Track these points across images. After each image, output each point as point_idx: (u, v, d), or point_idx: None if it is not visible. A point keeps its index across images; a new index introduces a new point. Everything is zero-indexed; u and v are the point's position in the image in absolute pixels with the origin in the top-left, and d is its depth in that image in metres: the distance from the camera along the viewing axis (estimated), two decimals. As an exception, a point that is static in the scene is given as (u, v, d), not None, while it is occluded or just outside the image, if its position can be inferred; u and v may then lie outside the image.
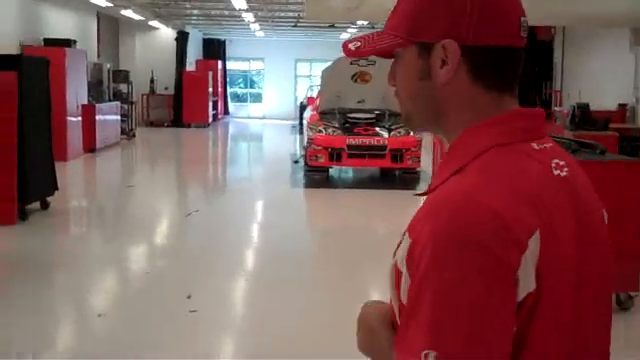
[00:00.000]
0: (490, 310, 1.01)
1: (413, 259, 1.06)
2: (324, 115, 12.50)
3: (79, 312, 5.97)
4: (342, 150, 11.72)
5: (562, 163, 1.17)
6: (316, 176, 12.33)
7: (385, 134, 12.04)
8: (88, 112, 15.48)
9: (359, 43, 1.25)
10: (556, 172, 1.16)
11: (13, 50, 12.99)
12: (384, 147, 11.85)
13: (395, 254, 1.14)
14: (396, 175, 12.57)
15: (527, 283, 1.04)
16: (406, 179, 12.19)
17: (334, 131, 11.98)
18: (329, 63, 14.02)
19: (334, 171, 13.15)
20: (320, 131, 12.01)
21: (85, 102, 15.44)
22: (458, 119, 1.19)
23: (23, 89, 8.40)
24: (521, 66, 1.20)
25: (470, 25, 1.14)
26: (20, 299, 5.96)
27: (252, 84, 31.50)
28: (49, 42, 14.96)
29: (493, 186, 1.08)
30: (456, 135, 1.19)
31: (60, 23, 16.74)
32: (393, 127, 12.08)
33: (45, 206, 9.33)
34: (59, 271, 7.10)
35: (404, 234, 1.12)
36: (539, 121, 1.22)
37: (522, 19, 1.18)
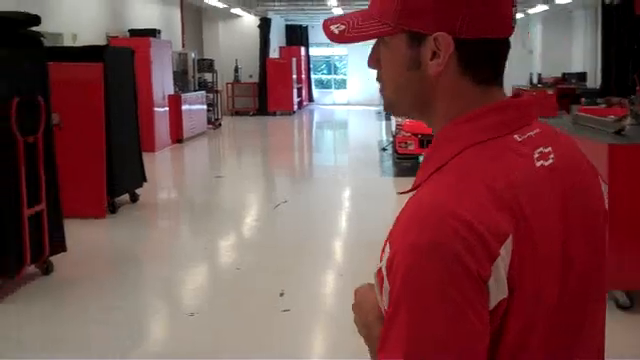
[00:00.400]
0: (464, 322, 1.01)
1: (391, 269, 1.05)
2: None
3: (170, 310, 5.78)
4: (433, 137, 11.21)
5: (547, 150, 1.15)
6: (406, 164, 11.91)
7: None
8: (174, 102, 15.47)
9: (343, 26, 1.20)
10: (539, 163, 1.13)
11: (100, 42, 13.03)
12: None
13: (381, 258, 1.10)
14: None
15: (499, 291, 1.03)
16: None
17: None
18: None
19: (425, 158, 12.66)
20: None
21: (171, 92, 15.43)
22: (444, 111, 1.17)
23: (109, 80, 8.29)
24: (507, 56, 1.17)
25: (465, 17, 1.10)
26: (109, 295, 5.84)
27: (335, 70, 31.21)
28: (134, 33, 15.00)
29: (467, 192, 1.06)
30: (440, 127, 1.18)
31: (145, 13, 16.78)
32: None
33: (134, 199, 9.24)
34: (149, 266, 6.95)
35: (386, 241, 1.10)
36: (522, 110, 1.18)
37: (513, 9, 1.15)
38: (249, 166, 14.35)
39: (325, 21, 1.22)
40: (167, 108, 15.06)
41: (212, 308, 5.57)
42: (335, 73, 31.23)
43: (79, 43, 12.11)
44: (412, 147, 11.39)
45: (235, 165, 14.56)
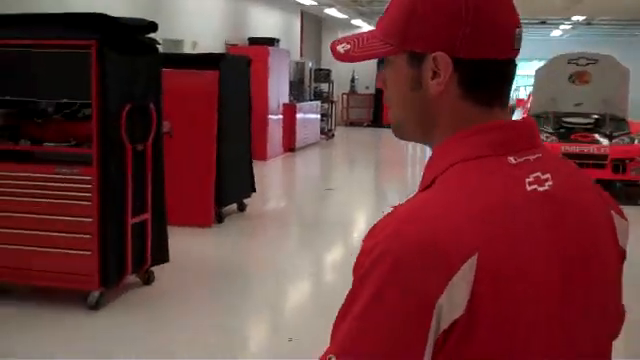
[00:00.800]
0: (400, 338, 1.01)
1: (355, 270, 1.06)
2: (537, 119, 11.45)
3: (268, 333, 5.56)
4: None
5: (545, 177, 1.12)
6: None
7: (605, 141, 10.81)
8: (289, 111, 15.42)
9: (349, 45, 1.22)
10: (532, 187, 1.10)
11: (220, 49, 13.10)
12: (604, 156, 10.62)
13: None
14: (616, 188, 11.30)
15: (453, 309, 1.00)
16: (629, 193, 10.90)
17: (548, 137, 10.90)
18: (543, 62, 12.90)
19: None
20: (532, 137, 10.99)
21: (286, 101, 15.37)
22: (445, 131, 1.16)
23: (224, 88, 8.20)
24: (512, 77, 1.17)
25: (464, 38, 1.10)
26: (208, 310, 5.71)
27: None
28: (253, 41, 15.04)
29: (440, 206, 1.06)
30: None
31: (265, 22, 16.84)
32: (615, 134, 10.86)
33: (242, 208, 9.13)
34: (251, 281, 6.76)
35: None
36: (523, 133, 1.16)
37: (517, 30, 1.13)
38: (360, 179, 14.08)
39: (333, 42, 1.25)
40: (281, 116, 15.01)
41: (312, 334, 5.29)
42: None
43: (199, 50, 12.19)
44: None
45: (346, 177, 14.31)
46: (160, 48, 6.22)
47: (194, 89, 8.16)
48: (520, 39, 1.14)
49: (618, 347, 1.28)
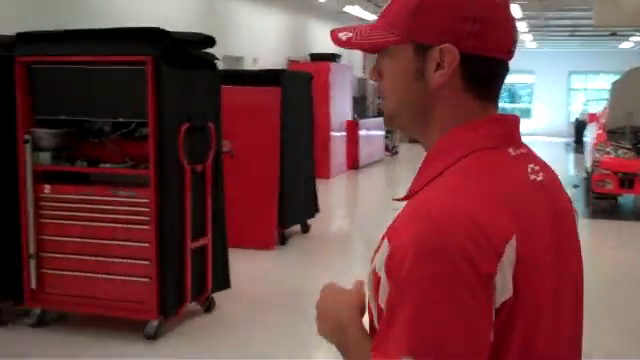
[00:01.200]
0: (468, 321, 1.02)
1: (392, 266, 1.05)
2: (613, 134, 10.87)
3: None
4: (635, 175, 10.05)
5: (537, 168, 1.21)
6: (603, 204, 10.75)
7: (685, 157, 10.19)
8: (352, 128, 15.10)
9: (350, 34, 1.25)
10: (532, 177, 1.18)
11: (281, 66, 12.88)
12: (685, 172, 10.01)
13: (373, 259, 1.13)
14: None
15: (504, 290, 1.05)
16: None
17: (625, 153, 10.33)
18: (618, 76, 12.32)
19: (625, 199, 11.48)
20: (608, 153, 10.41)
21: (349, 118, 15.06)
22: (443, 124, 1.20)
23: (285, 105, 7.92)
24: (505, 79, 1.22)
25: (472, 33, 1.14)
26: (270, 340, 5.38)
27: (518, 98, 29.88)
28: (315, 57, 14.80)
29: (472, 193, 1.09)
30: (435, 138, 1.20)
31: (326, 38, 16.54)
32: (701, 149, 10.21)
33: (305, 229, 8.81)
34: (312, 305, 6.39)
35: (382, 240, 1.12)
36: (515, 127, 1.23)
37: (514, 34, 1.20)
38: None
39: (333, 31, 1.28)
40: (344, 133, 14.70)
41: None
42: (518, 102, 29.88)
43: (259, 67, 11.99)
44: (611, 186, 10.23)
45: (411, 196, 13.84)
46: (220, 65, 5.95)
47: (255, 106, 7.90)
48: (516, 43, 1.21)
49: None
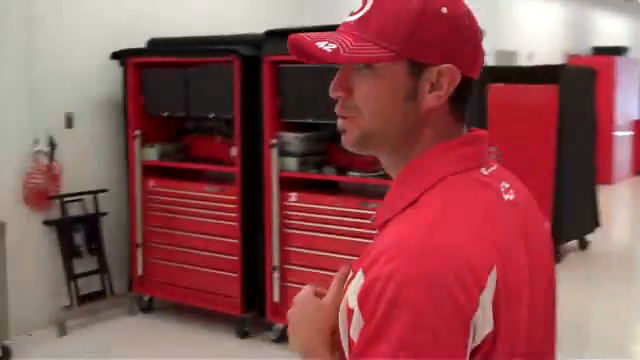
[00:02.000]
0: (446, 355, 0.99)
1: (369, 299, 1.02)
2: None
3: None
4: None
5: (508, 186, 1.18)
6: None
7: None
8: (639, 128, 13.50)
9: (334, 45, 1.10)
10: (506, 197, 1.16)
11: (559, 61, 11.79)
12: None
13: (346, 290, 1.12)
14: None
15: (485, 323, 1.02)
16: None
17: None
18: None
19: None
20: None
21: (636, 117, 13.48)
22: (427, 145, 1.15)
23: (564, 105, 6.97)
24: None
25: (469, 55, 1.13)
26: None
27: None
28: (598, 51, 13.48)
29: (453, 223, 1.06)
30: (404, 161, 1.16)
31: (611, 29, 15.08)
32: None
33: (583, 246, 7.77)
34: (592, 341, 5.43)
35: (355, 271, 1.09)
36: (485, 144, 1.20)
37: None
38: None
39: (303, 37, 1.13)
40: (631, 134, 13.17)
41: None
42: None
43: (534, 62, 11.03)
44: None
45: None
46: (490, 60, 5.20)
47: (529, 107, 7.08)
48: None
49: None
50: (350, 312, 1.07)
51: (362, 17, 1.14)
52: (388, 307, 0.99)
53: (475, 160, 1.15)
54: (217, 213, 5.22)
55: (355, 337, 1.04)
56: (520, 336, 1.09)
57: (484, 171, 1.15)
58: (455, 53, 1.11)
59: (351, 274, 1.12)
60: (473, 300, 1.00)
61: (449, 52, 1.11)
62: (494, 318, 1.03)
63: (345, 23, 1.16)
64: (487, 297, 1.02)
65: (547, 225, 1.29)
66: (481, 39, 1.15)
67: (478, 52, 1.14)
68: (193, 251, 5.36)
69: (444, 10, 1.10)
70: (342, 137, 1.20)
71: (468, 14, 1.14)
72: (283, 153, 4.90)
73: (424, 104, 1.12)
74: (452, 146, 1.14)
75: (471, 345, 1.01)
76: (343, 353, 1.13)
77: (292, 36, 1.13)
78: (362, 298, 1.03)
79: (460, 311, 0.99)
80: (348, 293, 1.09)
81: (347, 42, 1.11)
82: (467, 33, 1.12)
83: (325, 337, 1.18)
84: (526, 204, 1.21)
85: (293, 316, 1.26)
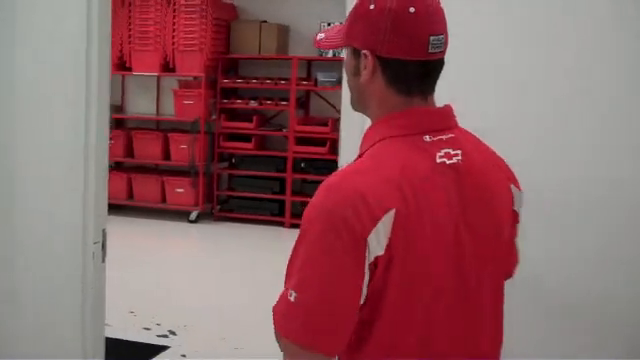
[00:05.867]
0: (339, 266, 1.32)
1: (302, 221, 1.38)
2: None
3: None
4: None
5: (455, 152, 1.43)
6: None
7: None
8: None
9: (323, 35, 1.60)
10: (440, 160, 1.41)
11: None
12: None
13: None
14: None
15: (376, 248, 1.33)
16: None
17: None
18: None
19: None
20: None
21: None
22: (375, 112, 1.49)
23: None
24: (432, 75, 1.46)
25: (384, 42, 1.41)
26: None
27: None
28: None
29: (369, 172, 1.37)
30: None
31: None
32: None
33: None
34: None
35: None
36: (437, 118, 1.47)
37: (432, 37, 1.41)
38: None
39: (318, 32, 1.67)
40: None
41: None
42: None
43: None
44: None
45: None
46: None
47: None
48: (438, 45, 1.42)
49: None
50: None
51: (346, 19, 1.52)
52: (304, 228, 1.36)
53: (412, 128, 1.43)
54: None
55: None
56: (421, 277, 1.37)
57: (427, 138, 1.43)
58: (373, 41, 1.42)
59: None
60: (364, 225, 1.31)
61: (369, 41, 1.43)
62: (389, 248, 1.33)
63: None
64: (382, 228, 1.32)
65: (509, 190, 1.54)
66: (404, 24, 1.39)
67: (398, 37, 1.40)
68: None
69: (371, 7, 1.42)
70: None
71: (395, 9, 1.39)
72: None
73: (362, 79, 1.47)
74: (393, 117, 1.45)
75: (369, 258, 1.33)
76: None
77: (319, 33, 1.62)
78: (300, 228, 1.39)
79: (352, 230, 1.31)
80: None
81: (331, 34, 1.57)
82: (385, 27, 1.40)
83: None
84: (475, 171, 1.45)
85: None
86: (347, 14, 1.51)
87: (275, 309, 1.38)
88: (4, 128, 2.78)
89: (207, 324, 5.32)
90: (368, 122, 1.53)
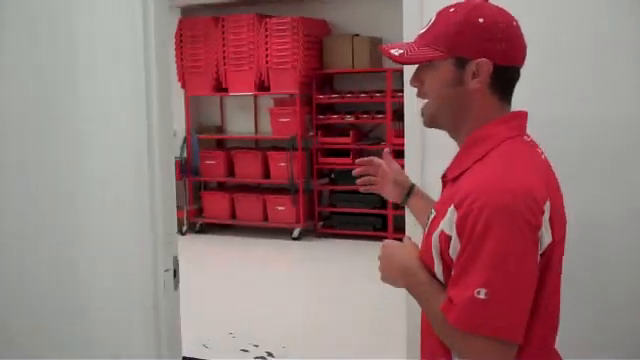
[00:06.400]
0: (526, 260, 1.43)
1: (465, 225, 1.44)
2: None
3: None
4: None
5: (541, 150, 1.61)
6: None
7: None
8: None
9: (401, 50, 1.61)
10: (543, 157, 1.60)
11: None
12: None
13: (433, 229, 1.55)
14: None
15: (547, 236, 1.46)
16: None
17: None
18: None
19: None
20: None
21: None
22: (473, 120, 1.58)
23: None
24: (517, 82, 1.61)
25: (499, 50, 1.53)
26: None
27: None
28: None
29: (518, 170, 1.48)
30: (467, 133, 1.59)
31: None
32: None
33: None
34: None
35: (441, 211, 1.53)
36: (525, 120, 1.62)
37: (526, 47, 1.59)
38: None
39: (384, 47, 1.64)
40: None
41: None
42: None
43: None
44: None
45: None
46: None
47: None
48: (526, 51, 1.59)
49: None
50: (447, 238, 1.50)
51: (425, 31, 1.61)
52: (484, 230, 1.41)
53: (520, 130, 1.60)
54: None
55: (454, 255, 1.48)
56: (561, 255, 1.56)
57: (526, 139, 1.60)
58: (489, 49, 1.53)
59: (434, 213, 1.59)
60: (538, 220, 1.44)
61: (484, 49, 1.53)
62: (552, 238, 1.48)
63: (416, 36, 1.63)
64: (546, 219, 1.46)
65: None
66: (513, 34, 1.54)
67: (510, 46, 1.54)
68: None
69: (480, 20, 1.53)
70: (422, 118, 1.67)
71: (503, 22, 1.54)
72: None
73: (469, 88, 1.56)
74: (505, 120, 1.58)
75: (540, 250, 1.46)
76: (431, 272, 1.57)
77: (381, 46, 1.67)
78: (460, 226, 1.46)
79: (531, 227, 1.43)
80: (442, 227, 1.51)
81: (412, 48, 1.61)
82: (499, 34, 1.53)
83: (417, 261, 1.61)
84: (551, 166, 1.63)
85: (387, 252, 1.70)
86: (426, 27, 1.61)
87: (451, 309, 1.45)
88: (74, 183, 2.79)
89: (306, 345, 5.24)
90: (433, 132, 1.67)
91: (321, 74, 8.76)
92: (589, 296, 2.21)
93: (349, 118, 8.62)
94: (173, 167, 2.71)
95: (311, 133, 8.75)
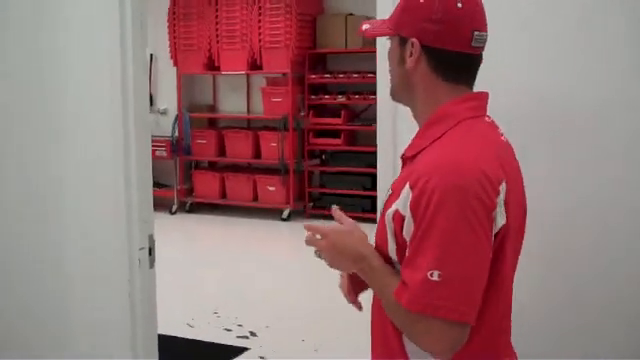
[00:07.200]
0: (479, 240, 1.43)
1: (419, 205, 1.44)
2: None
3: None
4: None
5: (502, 132, 1.63)
6: None
7: None
8: None
9: (368, 25, 1.71)
10: (503, 138, 1.62)
11: None
12: None
13: (387, 208, 1.55)
14: None
15: (501, 218, 1.47)
16: None
17: None
18: None
19: None
20: None
21: None
22: (422, 98, 1.61)
23: None
24: (476, 67, 1.61)
25: (432, 31, 1.55)
26: None
27: None
28: None
29: (473, 150, 1.49)
30: (423, 110, 1.62)
31: None
32: None
33: None
34: None
35: (397, 189, 1.53)
36: (486, 101, 1.63)
37: (476, 33, 1.56)
38: None
39: (363, 21, 1.75)
40: None
41: None
42: None
43: None
44: None
45: None
46: None
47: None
48: (481, 41, 1.57)
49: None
50: (401, 218, 1.49)
51: (394, 8, 1.66)
52: (436, 209, 1.41)
53: (480, 110, 1.61)
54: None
55: (408, 236, 1.48)
56: (516, 237, 1.58)
57: (486, 119, 1.62)
58: (421, 31, 1.56)
59: (390, 192, 1.58)
60: (492, 200, 1.45)
61: (418, 29, 1.56)
62: (507, 219, 1.48)
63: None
64: (501, 200, 1.46)
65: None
66: (452, 18, 1.53)
67: (443, 29, 1.53)
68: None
69: (422, 0, 1.56)
70: None
71: (443, 3, 1.53)
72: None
73: (407, 66, 1.60)
74: (463, 100, 1.59)
75: (494, 231, 1.46)
76: (385, 253, 1.57)
77: (365, 20, 1.74)
78: (414, 206, 1.46)
79: (485, 207, 1.43)
80: (396, 206, 1.51)
81: (378, 24, 1.69)
82: (435, 18, 1.53)
83: (369, 246, 1.59)
84: (511, 148, 1.65)
85: (336, 239, 1.63)
86: (394, 6, 1.65)
87: (405, 291, 1.45)
88: (50, 138, 2.76)
89: (289, 325, 5.24)
90: (406, 112, 1.68)
91: (314, 54, 8.70)
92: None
93: (341, 98, 8.57)
94: (149, 143, 2.67)
95: (303, 113, 8.71)
